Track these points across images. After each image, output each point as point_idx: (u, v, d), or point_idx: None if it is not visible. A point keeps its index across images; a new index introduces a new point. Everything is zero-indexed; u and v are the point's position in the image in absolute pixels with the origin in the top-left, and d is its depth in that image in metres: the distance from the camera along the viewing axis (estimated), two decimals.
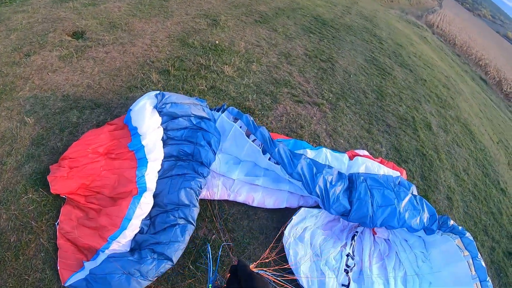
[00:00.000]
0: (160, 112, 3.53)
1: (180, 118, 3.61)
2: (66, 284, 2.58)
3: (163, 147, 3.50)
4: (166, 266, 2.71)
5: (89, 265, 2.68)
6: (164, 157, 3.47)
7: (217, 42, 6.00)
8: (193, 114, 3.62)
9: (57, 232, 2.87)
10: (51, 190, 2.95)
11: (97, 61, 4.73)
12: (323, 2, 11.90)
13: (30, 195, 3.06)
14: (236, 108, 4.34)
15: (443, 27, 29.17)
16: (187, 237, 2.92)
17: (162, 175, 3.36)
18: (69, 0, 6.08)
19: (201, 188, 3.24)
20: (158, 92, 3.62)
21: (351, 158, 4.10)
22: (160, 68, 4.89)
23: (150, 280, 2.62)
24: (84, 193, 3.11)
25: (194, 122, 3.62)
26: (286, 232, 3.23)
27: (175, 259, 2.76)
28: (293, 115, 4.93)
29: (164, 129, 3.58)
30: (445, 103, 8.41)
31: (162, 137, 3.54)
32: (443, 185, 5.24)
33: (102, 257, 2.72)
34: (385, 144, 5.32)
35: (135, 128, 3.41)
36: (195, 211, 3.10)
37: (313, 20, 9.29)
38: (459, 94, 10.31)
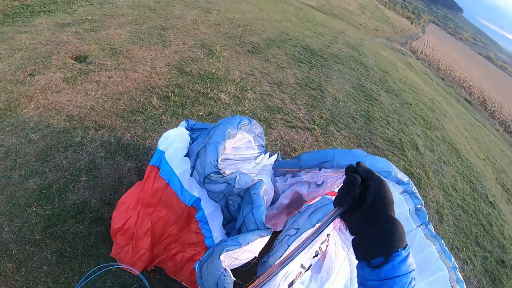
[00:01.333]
0: (191, 129, 3.17)
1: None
2: None
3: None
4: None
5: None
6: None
7: (213, 71, 6.31)
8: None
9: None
10: (138, 271, 2.68)
11: (100, 85, 4.88)
12: (311, 33, 12.43)
13: (34, 209, 3.08)
14: None
15: (426, 52, 30.24)
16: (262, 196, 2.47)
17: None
18: (72, 25, 6.31)
19: (213, 152, 2.47)
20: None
21: None
22: (161, 94, 5.09)
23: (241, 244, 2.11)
24: (159, 250, 2.74)
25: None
26: None
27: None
28: (286, 139, 5.23)
29: (194, 139, 3.00)
30: (430, 124, 8.84)
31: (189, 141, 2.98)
32: (432, 201, 5.55)
33: None
34: None
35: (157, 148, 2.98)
36: (243, 177, 2.50)
37: (303, 50, 9.72)
38: (444, 115, 10.79)
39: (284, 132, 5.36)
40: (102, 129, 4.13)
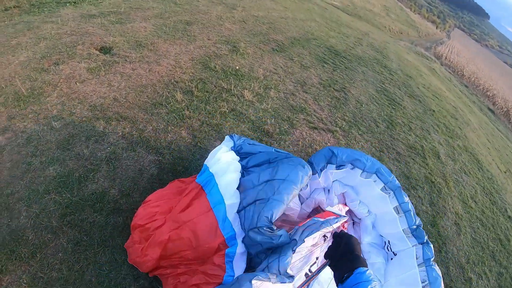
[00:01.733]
0: (238, 153, 3.00)
1: (260, 153, 2.98)
2: None
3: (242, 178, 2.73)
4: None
5: None
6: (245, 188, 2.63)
7: (237, 67, 6.27)
8: (274, 149, 3.07)
9: None
10: (143, 271, 2.69)
11: (124, 77, 4.87)
12: (335, 34, 12.31)
13: (53, 196, 3.08)
14: (255, 131, 4.65)
15: (451, 58, 29.70)
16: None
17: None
18: (97, 16, 6.34)
19: (274, 209, 2.33)
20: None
21: None
22: (184, 88, 5.07)
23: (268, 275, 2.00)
24: (166, 263, 2.58)
25: (275, 155, 2.89)
26: None
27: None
28: (308, 140, 5.17)
29: (244, 166, 2.84)
30: (453, 133, 8.65)
31: (242, 173, 2.78)
32: (451, 211, 5.42)
33: None
34: (395, 171, 5.51)
35: (205, 165, 2.85)
36: (284, 235, 2.33)
37: (327, 51, 9.62)
38: (467, 124, 10.57)
39: (306, 132, 5.30)
40: (124, 120, 4.13)
